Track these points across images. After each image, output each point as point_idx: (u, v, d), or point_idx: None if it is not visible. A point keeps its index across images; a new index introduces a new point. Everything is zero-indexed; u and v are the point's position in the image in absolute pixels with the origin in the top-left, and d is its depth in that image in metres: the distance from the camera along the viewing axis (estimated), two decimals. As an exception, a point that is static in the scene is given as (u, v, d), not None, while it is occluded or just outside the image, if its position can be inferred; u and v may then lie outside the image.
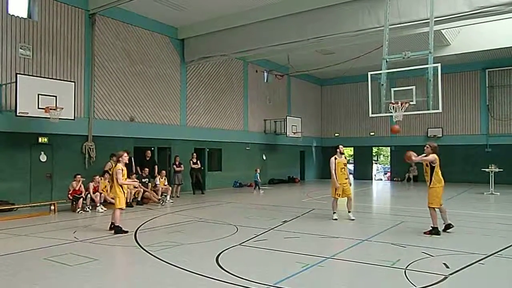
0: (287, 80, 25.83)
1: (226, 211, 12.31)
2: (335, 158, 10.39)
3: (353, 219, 10.12)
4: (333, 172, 10.25)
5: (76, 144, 13.90)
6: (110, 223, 8.88)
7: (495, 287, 5.31)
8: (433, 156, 8.45)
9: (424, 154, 8.60)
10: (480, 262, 6.27)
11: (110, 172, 12.70)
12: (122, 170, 8.67)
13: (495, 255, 6.70)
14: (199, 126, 19.02)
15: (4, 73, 12.16)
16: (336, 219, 10.21)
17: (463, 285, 5.32)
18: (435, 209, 8.47)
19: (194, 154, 17.44)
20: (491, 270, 6.01)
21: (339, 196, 10.31)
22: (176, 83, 17.92)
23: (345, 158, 10.59)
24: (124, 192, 8.82)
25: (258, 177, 19.39)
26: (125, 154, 8.99)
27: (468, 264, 6.10)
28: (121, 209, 8.71)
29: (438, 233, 8.33)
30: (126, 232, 8.54)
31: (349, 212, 10.36)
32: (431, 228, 8.46)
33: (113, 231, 8.58)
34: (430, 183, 8.50)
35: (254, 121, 22.83)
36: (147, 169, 14.42)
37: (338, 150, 10.50)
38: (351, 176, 19.26)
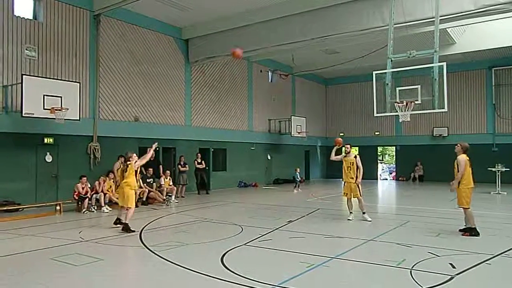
0: (292, 80, 25.80)
1: (231, 211, 12.31)
2: (344, 156, 10.41)
3: (369, 221, 9.90)
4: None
5: (82, 144, 13.96)
6: (116, 218, 9.12)
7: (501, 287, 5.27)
8: (463, 161, 8.24)
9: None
10: (486, 262, 6.22)
11: (117, 173, 12.95)
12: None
13: (501, 255, 6.65)
14: (203, 126, 19.04)
15: (10, 74, 12.23)
16: (350, 220, 10.12)
17: (470, 286, 5.28)
18: (469, 209, 8.23)
19: (199, 154, 17.44)
20: (497, 270, 5.96)
21: (346, 195, 10.29)
22: (180, 83, 17.95)
23: (355, 156, 10.28)
24: (134, 191, 9.18)
25: (298, 176, 19.34)
26: (134, 155, 9.38)
27: (475, 264, 6.06)
28: (131, 207, 8.88)
29: (477, 234, 8.09)
30: (133, 231, 8.61)
31: (363, 213, 10.15)
32: (472, 231, 8.21)
33: (118, 225, 8.83)
34: (458, 183, 8.30)
35: (259, 121, 22.82)
36: (151, 169, 14.43)
37: (344, 148, 10.53)
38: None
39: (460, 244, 7.47)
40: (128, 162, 9.09)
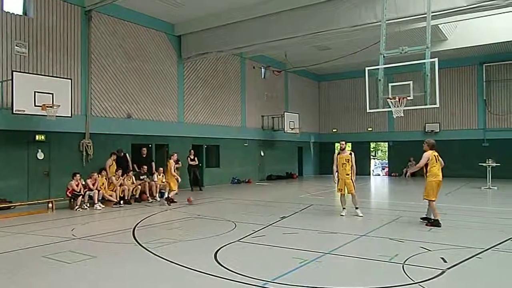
0: (285, 76, 25.81)
1: (224, 208, 12.32)
2: (338, 154, 10.49)
3: (361, 216, 10.00)
4: (334, 167, 10.45)
5: (74, 141, 13.87)
6: (169, 199, 12.56)
7: (492, 281, 5.33)
8: (426, 157, 8.79)
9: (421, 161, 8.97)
10: (477, 256, 6.29)
11: (109, 169, 13.39)
12: (174, 164, 12.87)
13: (492, 249, 6.73)
14: (196, 123, 18.99)
15: (0, 71, 12.09)
16: (342, 215, 10.18)
17: (461, 279, 5.34)
18: (432, 201, 8.73)
19: (192, 150, 17.41)
20: (488, 264, 6.03)
21: (340, 191, 10.36)
22: (173, 80, 17.88)
23: (350, 153, 10.39)
24: (176, 179, 12.79)
25: None
26: (175, 155, 13.29)
27: (466, 258, 6.13)
28: (174, 190, 12.71)
29: (438, 224, 8.53)
30: (175, 202, 12.62)
31: (356, 208, 10.26)
32: (432, 220, 8.68)
33: (167, 202, 12.40)
34: (426, 176, 8.91)
35: (252, 117, 22.81)
36: (145, 167, 14.39)
37: (339, 146, 10.66)
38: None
39: (451, 238, 7.55)
40: (170, 162, 12.82)
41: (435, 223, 8.60)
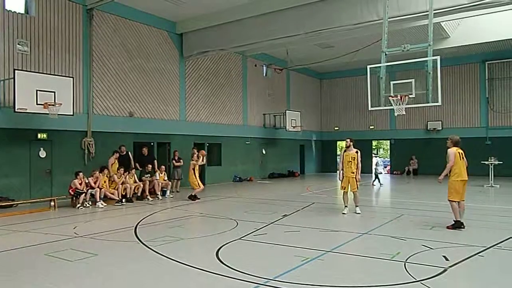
0: (286, 74, 25.77)
1: (226, 206, 12.32)
2: (344, 152, 10.44)
3: (358, 213, 10.05)
4: (340, 165, 10.40)
5: (76, 140, 13.89)
6: (190, 194, 13.36)
7: (494, 279, 5.31)
8: (452, 154, 8.24)
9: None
10: (479, 254, 6.28)
11: (112, 168, 13.37)
12: (196, 160, 13.49)
13: (494, 247, 6.72)
14: (198, 121, 19.00)
15: (2, 69, 12.12)
16: (344, 213, 10.16)
17: (463, 278, 5.33)
18: (454, 202, 8.18)
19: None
20: (490, 262, 6.01)
21: (344, 189, 10.34)
22: (175, 78, 17.88)
23: (356, 151, 10.23)
24: (196, 177, 13.33)
25: (379, 169, 19.39)
26: (197, 152, 13.89)
27: (468, 256, 6.12)
28: (194, 188, 13.30)
29: (460, 226, 8.09)
30: (199, 198, 13.20)
31: (356, 206, 10.30)
32: (453, 222, 8.22)
33: (191, 200, 13.02)
34: (449, 176, 8.32)
35: (254, 115, 22.80)
36: (150, 166, 14.39)
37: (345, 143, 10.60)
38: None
39: (453, 237, 7.53)
40: (193, 158, 13.62)
41: (456, 225, 8.13)
